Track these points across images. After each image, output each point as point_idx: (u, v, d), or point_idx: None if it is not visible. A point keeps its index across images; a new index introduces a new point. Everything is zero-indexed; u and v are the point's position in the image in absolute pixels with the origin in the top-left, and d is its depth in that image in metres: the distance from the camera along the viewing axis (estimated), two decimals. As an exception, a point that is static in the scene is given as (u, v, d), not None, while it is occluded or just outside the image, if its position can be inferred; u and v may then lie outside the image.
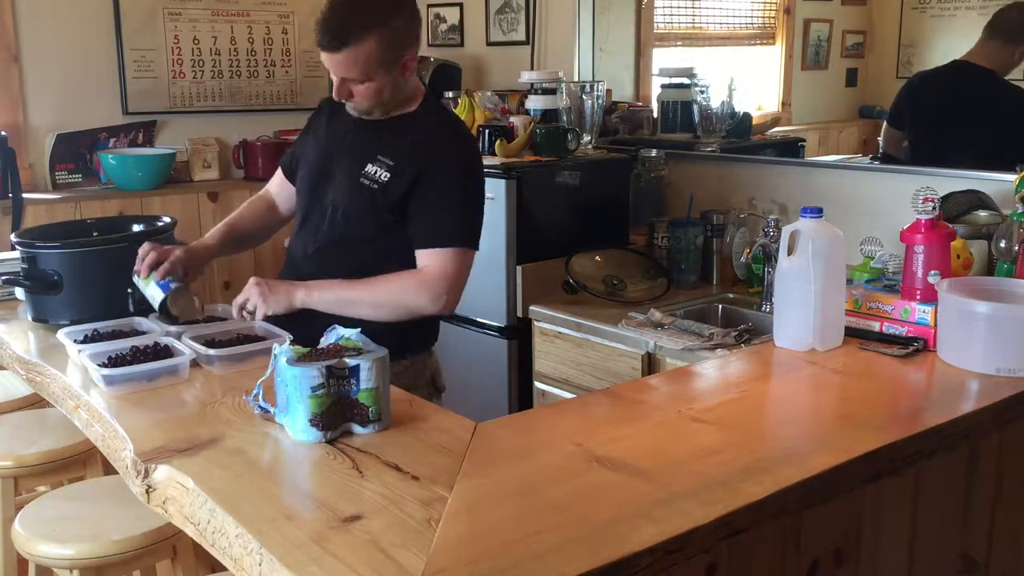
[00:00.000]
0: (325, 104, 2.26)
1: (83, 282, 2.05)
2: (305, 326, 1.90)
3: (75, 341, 1.88)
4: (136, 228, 2.30)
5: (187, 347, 1.82)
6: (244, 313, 2.02)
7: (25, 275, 2.06)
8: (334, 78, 2.01)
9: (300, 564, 1.11)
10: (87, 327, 1.94)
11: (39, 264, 2.04)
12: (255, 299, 2.01)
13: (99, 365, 1.73)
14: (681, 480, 1.31)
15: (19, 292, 2.23)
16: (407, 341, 2.11)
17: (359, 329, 1.58)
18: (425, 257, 2.03)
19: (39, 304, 2.10)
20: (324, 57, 1.98)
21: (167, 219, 2.29)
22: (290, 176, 2.31)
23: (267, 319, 2.01)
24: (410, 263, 2.05)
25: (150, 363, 1.75)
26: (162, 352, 1.81)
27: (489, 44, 4.15)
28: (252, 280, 2.03)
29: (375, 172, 2.05)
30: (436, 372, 2.26)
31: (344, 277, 2.05)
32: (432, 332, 2.24)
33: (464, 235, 2.05)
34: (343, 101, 2.05)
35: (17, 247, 2.11)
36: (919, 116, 3.22)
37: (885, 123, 3.34)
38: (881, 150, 3.32)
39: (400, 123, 2.10)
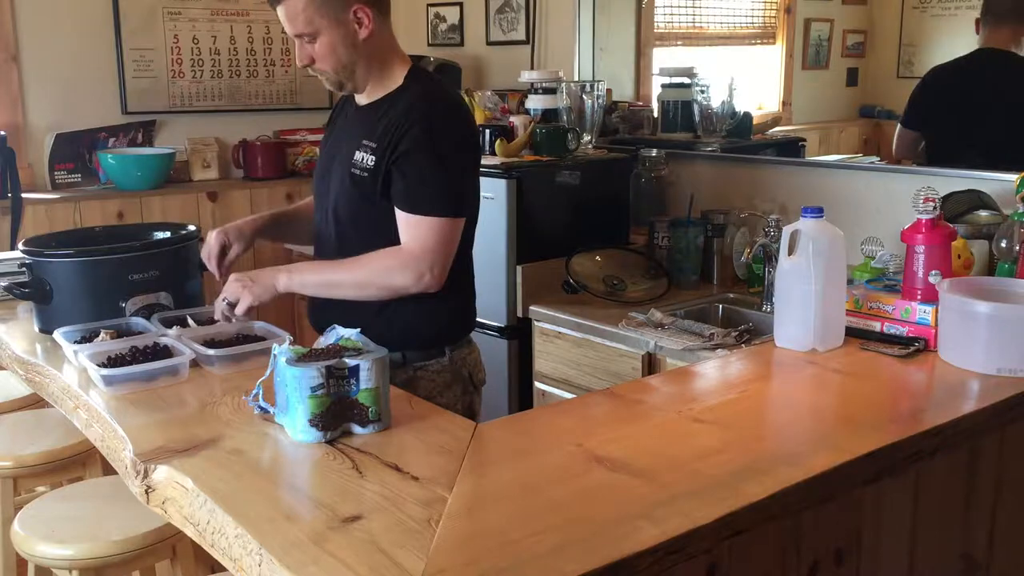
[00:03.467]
0: (338, 104, 2.25)
1: (76, 292, 2.03)
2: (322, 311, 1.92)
3: (72, 341, 1.87)
4: (158, 235, 2.23)
5: (187, 347, 1.81)
6: (225, 311, 1.95)
7: (22, 283, 2.06)
8: (296, 42, 1.99)
9: (300, 564, 1.11)
10: (84, 327, 1.94)
11: (35, 273, 2.03)
12: (236, 291, 1.95)
13: (98, 365, 1.72)
14: (681, 480, 1.31)
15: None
16: (443, 332, 2.08)
17: (359, 329, 1.58)
18: (406, 226, 1.95)
19: (40, 313, 2.09)
20: (280, 17, 1.98)
21: (192, 227, 2.21)
22: None
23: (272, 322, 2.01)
24: None
25: (150, 363, 1.75)
26: (162, 352, 1.81)
27: (489, 44, 4.15)
28: (232, 276, 1.99)
29: (362, 159, 1.99)
30: (475, 367, 2.19)
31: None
32: (468, 318, 2.17)
33: (446, 203, 1.95)
34: (308, 70, 2.02)
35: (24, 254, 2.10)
36: (938, 110, 3.14)
37: (899, 126, 3.26)
38: (894, 154, 3.23)
39: (384, 103, 2.03)
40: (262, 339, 1.92)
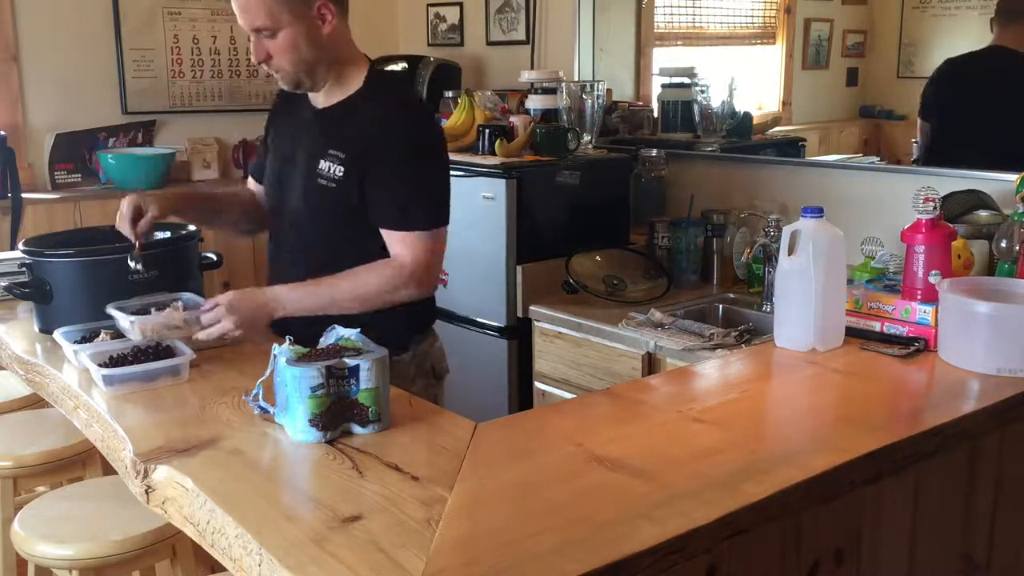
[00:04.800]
0: (278, 99, 2.20)
1: (76, 292, 2.02)
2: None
3: (72, 341, 1.87)
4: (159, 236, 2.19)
5: (188, 348, 1.81)
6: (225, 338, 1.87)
7: (22, 283, 2.06)
8: (251, 38, 1.93)
9: (300, 564, 1.11)
10: (84, 327, 1.93)
11: (35, 273, 2.03)
12: (232, 331, 1.85)
13: (99, 365, 1.72)
14: (681, 480, 1.31)
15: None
16: (407, 328, 2.09)
17: (359, 329, 1.58)
18: (396, 243, 1.95)
19: (40, 313, 2.09)
20: (235, 9, 1.91)
21: (192, 227, 2.19)
22: (260, 178, 2.25)
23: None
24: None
25: (151, 363, 1.75)
26: (163, 352, 1.81)
27: (489, 44, 4.15)
28: (222, 308, 1.85)
29: (329, 169, 1.97)
30: (437, 359, 2.20)
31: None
32: (429, 312, 2.18)
33: (433, 215, 1.98)
34: (263, 66, 1.96)
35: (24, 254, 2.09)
36: (944, 102, 3.16)
37: (919, 119, 3.24)
38: (919, 147, 3.20)
39: (346, 108, 2.00)
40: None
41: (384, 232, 1.97)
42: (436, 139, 2.03)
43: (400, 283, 1.95)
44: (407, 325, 2.09)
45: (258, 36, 1.92)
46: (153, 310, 1.86)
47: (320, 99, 2.04)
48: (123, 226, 1.98)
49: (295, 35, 1.90)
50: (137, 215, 1.97)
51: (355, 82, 2.01)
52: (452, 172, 2.31)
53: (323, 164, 1.98)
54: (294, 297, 1.93)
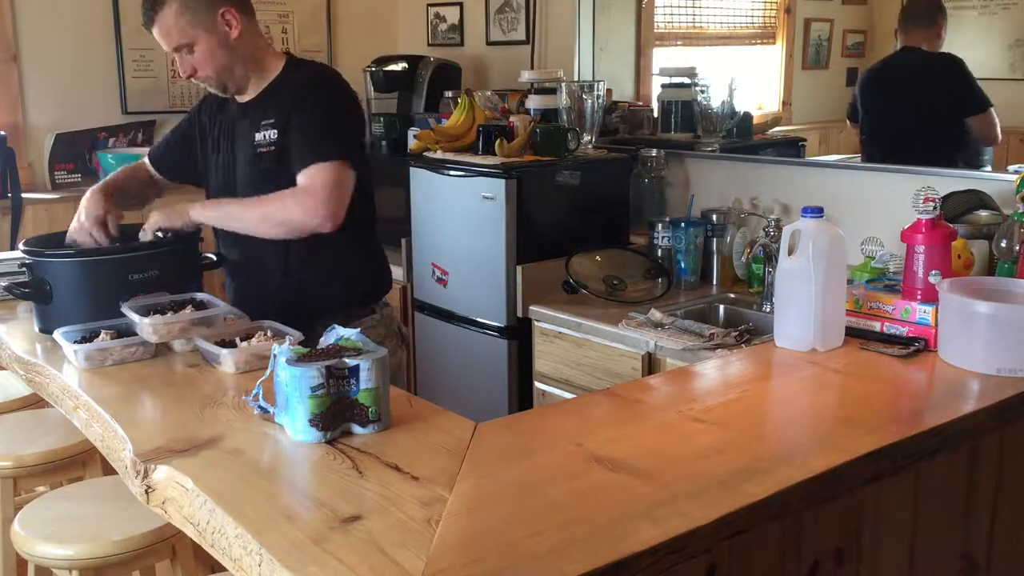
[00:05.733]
0: (193, 117, 2.45)
1: (76, 292, 2.03)
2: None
3: (72, 341, 1.87)
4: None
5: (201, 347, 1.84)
6: (155, 233, 2.14)
7: (22, 283, 2.06)
8: (175, 58, 2.20)
9: (300, 564, 1.11)
10: (84, 327, 1.93)
11: (35, 273, 2.03)
12: (160, 220, 2.16)
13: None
14: (681, 480, 1.31)
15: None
16: (367, 292, 2.35)
17: (358, 330, 1.58)
18: (302, 177, 2.13)
19: (40, 313, 2.09)
20: (156, 37, 2.18)
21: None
22: (164, 170, 2.50)
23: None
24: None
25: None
26: (199, 305, 1.94)
27: (489, 44, 4.15)
28: (152, 213, 2.20)
29: (265, 137, 2.19)
30: (401, 324, 2.46)
31: (273, 252, 2.22)
32: (384, 280, 2.43)
33: (334, 149, 2.13)
34: (193, 80, 2.22)
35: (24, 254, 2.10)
36: (873, 105, 3.35)
37: (848, 123, 3.49)
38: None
39: (269, 91, 2.24)
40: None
41: (297, 176, 2.14)
42: (346, 94, 2.25)
43: (292, 202, 2.11)
44: (371, 289, 2.36)
45: (181, 54, 2.19)
46: (238, 340, 1.88)
47: (246, 96, 2.28)
48: (96, 234, 2.20)
49: (210, 45, 2.17)
50: (105, 225, 2.23)
51: (274, 72, 2.26)
52: (452, 172, 2.34)
53: (259, 136, 2.21)
54: (208, 205, 2.25)
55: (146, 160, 2.53)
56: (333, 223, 2.11)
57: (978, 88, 3.08)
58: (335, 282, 2.27)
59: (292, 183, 2.14)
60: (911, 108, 3.23)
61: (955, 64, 3.13)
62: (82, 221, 2.22)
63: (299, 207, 2.10)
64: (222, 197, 2.30)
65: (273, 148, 2.18)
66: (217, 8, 2.15)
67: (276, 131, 2.17)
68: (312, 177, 2.11)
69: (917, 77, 3.24)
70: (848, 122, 3.47)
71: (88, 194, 2.28)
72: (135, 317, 1.86)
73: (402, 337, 2.42)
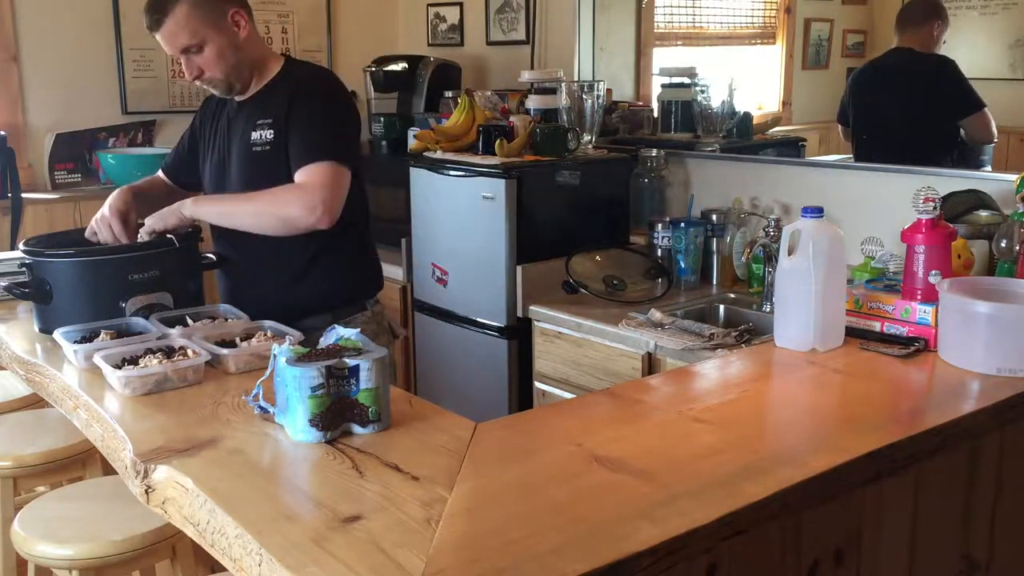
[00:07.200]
0: (204, 108, 2.43)
1: (76, 292, 2.02)
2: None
3: (72, 341, 1.87)
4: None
5: (201, 346, 1.81)
6: (145, 234, 2.15)
7: (22, 283, 2.06)
8: (181, 60, 2.17)
9: (300, 564, 1.11)
10: (84, 327, 1.93)
11: (35, 273, 2.03)
12: (153, 223, 2.15)
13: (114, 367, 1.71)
14: (681, 480, 1.31)
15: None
16: (359, 290, 2.37)
17: (358, 330, 1.58)
18: (300, 175, 2.14)
19: (40, 313, 2.09)
20: (160, 41, 2.15)
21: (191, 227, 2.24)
22: (177, 179, 2.49)
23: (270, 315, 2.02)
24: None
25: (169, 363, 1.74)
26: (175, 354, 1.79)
27: (489, 44, 4.15)
28: (147, 218, 2.20)
29: (261, 136, 2.20)
30: (392, 320, 2.48)
31: (267, 252, 2.22)
32: (376, 278, 2.44)
33: (333, 149, 2.15)
34: (198, 82, 2.19)
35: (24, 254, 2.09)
36: (864, 105, 3.37)
37: (839, 125, 3.48)
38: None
39: (267, 90, 2.25)
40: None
41: (295, 174, 2.14)
42: (344, 97, 2.27)
43: (289, 198, 2.12)
44: (364, 287, 2.39)
45: (187, 55, 2.15)
46: (238, 340, 1.88)
47: (243, 95, 2.28)
48: (119, 232, 2.20)
49: (220, 45, 2.15)
50: (126, 220, 2.23)
51: (272, 72, 2.27)
52: (452, 172, 2.33)
53: (255, 135, 2.21)
54: (202, 200, 2.22)
55: (161, 172, 2.55)
56: (329, 220, 2.12)
57: (971, 89, 3.08)
58: (328, 279, 2.29)
59: (285, 182, 2.15)
60: (901, 108, 3.24)
61: (947, 65, 3.14)
62: (104, 213, 2.23)
63: (297, 203, 2.11)
64: (219, 190, 2.31)
65: (269, 147, 2.19)
66: (227, 8, 2.16)
67: (272, 131, 2.19)
68: (310, 175, 2.12)
69: (908, 78, 3.26)
70: (839, 126, 3.48)
71: (115, 191, 2.30)
72: (107, 369, 1.73)
73: (393, 332, 2.44)
